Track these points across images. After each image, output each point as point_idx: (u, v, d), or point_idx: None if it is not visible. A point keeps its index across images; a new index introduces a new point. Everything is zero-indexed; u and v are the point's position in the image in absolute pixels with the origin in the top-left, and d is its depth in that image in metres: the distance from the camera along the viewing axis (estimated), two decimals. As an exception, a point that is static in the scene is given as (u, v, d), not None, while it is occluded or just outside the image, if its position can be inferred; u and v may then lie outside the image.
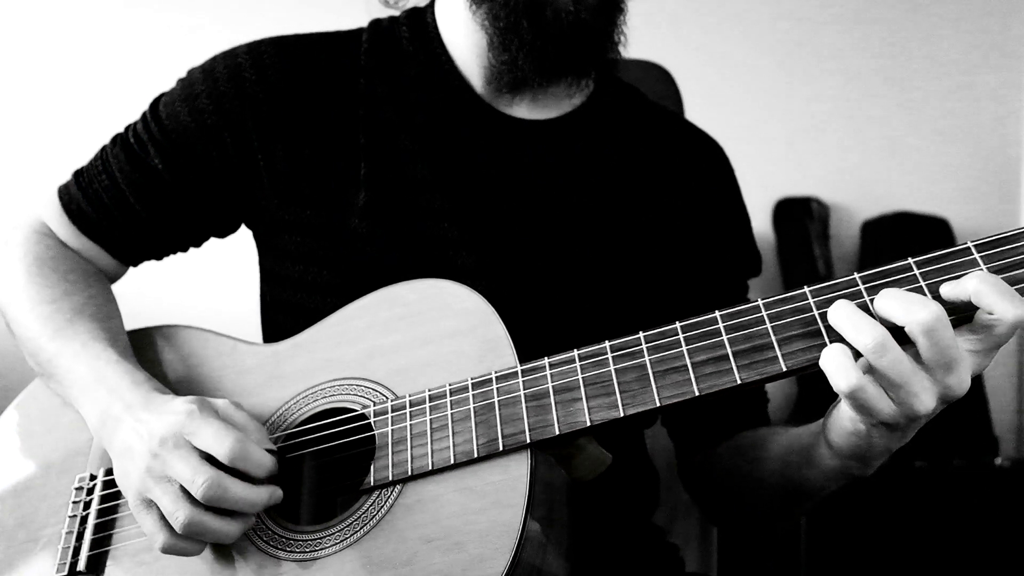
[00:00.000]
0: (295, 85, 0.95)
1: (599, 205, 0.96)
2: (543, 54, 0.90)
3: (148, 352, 0.94)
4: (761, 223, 2.43)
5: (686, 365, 0.70)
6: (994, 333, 0.64)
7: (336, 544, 0.75)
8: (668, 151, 1.02)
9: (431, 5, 1.01)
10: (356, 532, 0.75)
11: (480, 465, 0.73)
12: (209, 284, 2.07)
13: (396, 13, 1.04)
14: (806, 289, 0.69)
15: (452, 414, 0.76)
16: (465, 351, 0.78)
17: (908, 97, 2.56)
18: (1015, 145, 2.57)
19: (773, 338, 0.68)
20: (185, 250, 1.05)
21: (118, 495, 0.83)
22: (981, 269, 0.64)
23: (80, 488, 0.87)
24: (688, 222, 1.00)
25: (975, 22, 2.56)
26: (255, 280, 1.04)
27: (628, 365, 0.72)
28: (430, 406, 0.77)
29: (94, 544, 0.83)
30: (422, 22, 1.00)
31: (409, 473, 0.74)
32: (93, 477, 0.87)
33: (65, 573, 0.82)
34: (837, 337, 0.65)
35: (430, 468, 0.74)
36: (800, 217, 2.43)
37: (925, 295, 0.65)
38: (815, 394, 2.14)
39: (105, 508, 0.84)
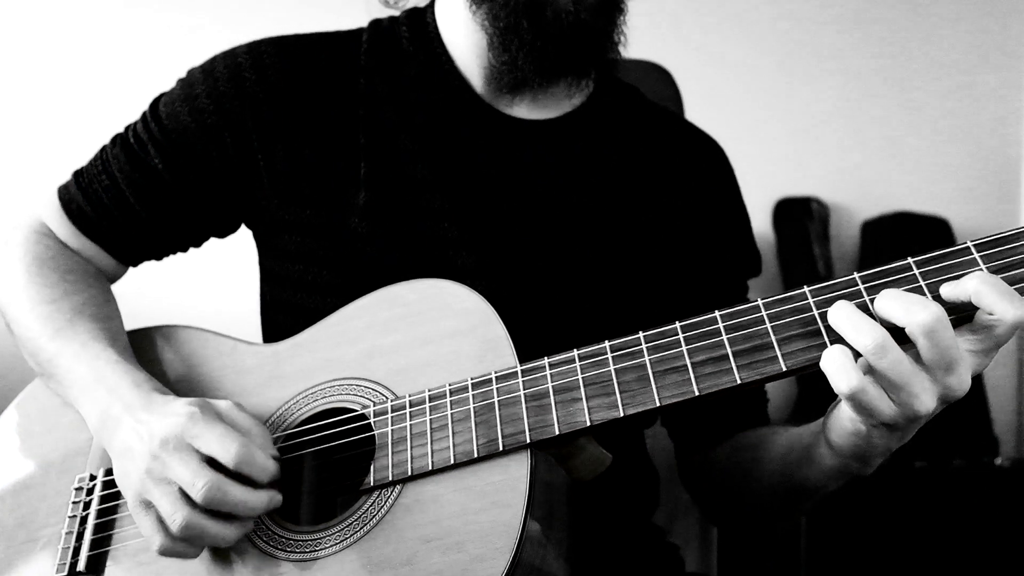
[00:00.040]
0: (295, 85, 0.95)
1: (599, 205, 0.96)
2: (543, 54, 0.90)
3: (148, 352, 0.94)
4: (761, 223, 2.43)
5: (686, 365, 0.70)
6: (994, 333, 0.64)
7: (336, 544, 0.75)
8: (668, 151, 1.02)
9: (431, 5, 1.01)
10: (356, 532, 0.75)
11: (480, 465, 0.73)
12: (209, 284, 2.07)
13: (396, 13, 1.04)
14: (806, 289, 0.69)
15: (452, 414, 0.76)
16: (465, 351, 0.78)
17: (908, 97, 2.56)
18: (1015, 145, 2.57)
19: (773, 338, 0.68)
20: (185, 250, 1.05)
21: (118, 495, 0.83)
22: (981, 269, 0.64)
23: (80, 488, 0.87)
24: (688, 222, 1.00)
25: (975, 22, 2.56)
26: (255, 280, 1.04)
27: (628, 365, 0.72)
28: (430, 406, 0.77)
29: (94, 544, 0.83)
30: (422, 22, 1.00)
31: (409, 473, 0.74)
32: (93, 477, 0.87)
33: (65, 573, 0.82)
34: (837, 337, 0.65)
35: (430, 468, 0.74)
36: (800, 217, 2.43)
37: (925, 295, 0.65)
38: (815, 394, 2.14)
39: (105, 508, 0.84)
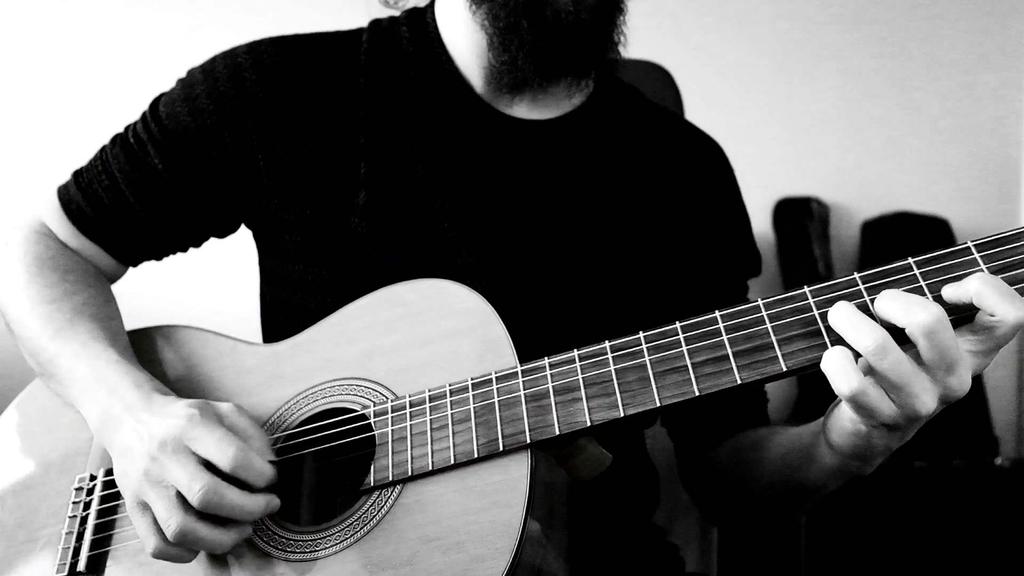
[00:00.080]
0: (295, 85, 0.95)
1: (599, 205, 0.96)
2: (543, 54, 0.90)
3: (148, 352, 0.94)
4: (761, 223, 2.43)
5: (686, 365, 0.70)
6: (995, 334, 0.64)
7: (336, 544, 0.75)
8: (668, 151, 1.02)
9: (431, 5, 1.01)
10: (356, 532, 0.74)
11: (480, 465, 0.73)
12: (209, 284, 2.07)
13: (396, 13, 1.04)
14: (806, 289, 0.69)
15: (452, 414, 0.76)
16: (465, 351, 0.78)
17: (908, 97, 2.56)
18: (1015, 145, 2.57)
19: (773, 338, 0.68)
20: (185, 250, 1.05)
21: (118, 495, 0.83)
22: (981, 269, 0.64)
23: (80, 488, 0.87)
24: (688, 222, 1.00)
25: (975, 22, 2.56)
26: (255, 280, 1.04)
27: (628, 365, 0.72)
28: (430, 406, 0.77)
29: (94, 544, 0.83)
30: (422, 22, 1.00)
31: (409, 473, 0.74)
32: (93, 477, 0.87)
33: (65, 573, 0.82)
34: (837, 337, 0.65)
35: (430, 468, 0.74)
36: (800, 217, 2.43)
37: (925, 295, 0.65)
38: (815, 394, 2.14)
39: (105, 508, 0.84)
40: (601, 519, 0.93)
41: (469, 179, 0.94)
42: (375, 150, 0.93)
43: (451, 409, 0.76)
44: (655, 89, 1.31)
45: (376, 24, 1.02)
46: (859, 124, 2.56)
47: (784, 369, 0.67)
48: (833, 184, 2.55)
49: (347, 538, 0.75)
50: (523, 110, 0.97)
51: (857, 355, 0.64)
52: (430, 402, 0.77)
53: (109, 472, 0.85)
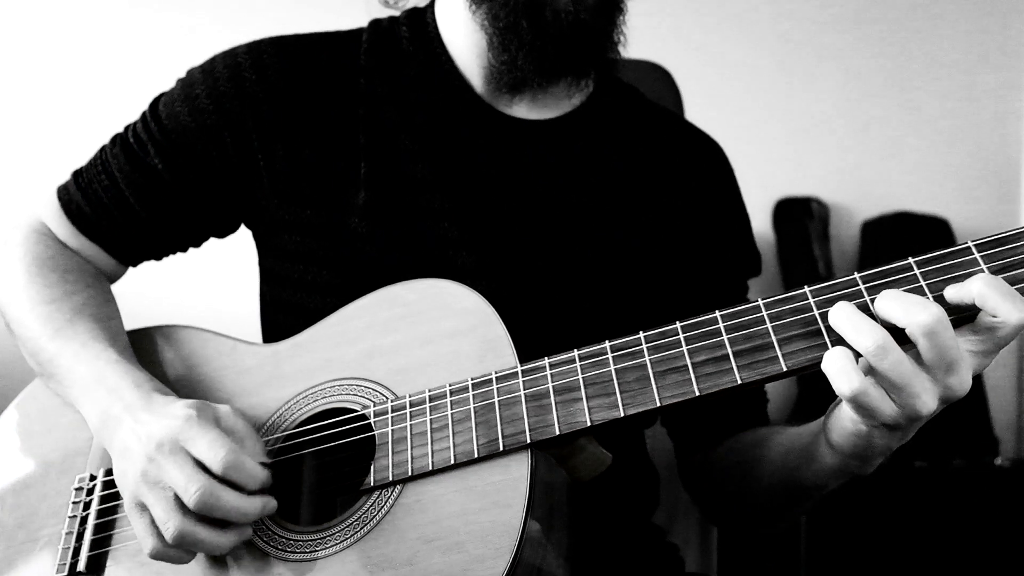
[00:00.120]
0: (295, 85, 0.95)
1: (599, 205, 0.96)
2: (543, 54, 0.90)
3: (148, 352, 0.94)
4: (761, 223, 2.43)
5: (686, 365, 0.70)
6: (997, 335, 0.64)
7: (336, 544, 0.75)
8: (668, 151, 1.02)
9: (431, 5, 1.01)
10: (356, 532, 0.74)
11: (480, 465, 0.73)
12: (209, 284, 2.07)
13: (396, 13, 1.04)
14: (806, 289, 0.69)
15: (452, 414, 0.76)
16: (465, 351, 0.78)
17: (908, 97, 2.56)
18: (1015, 145, 2.57)
19: (773, 338, 0.68)
20: (185, 250, 1.05)
21: (118, 495, 0.83)
22: (982, 269, 0.64)
23: (80, 488, 0.87)
24: (688, 222, 1.00)
25: (975, 22, 2.56)
26: (255, 280, 1.04)
27: (628, 365, 0.72)
28: (430, 406, 0.77)
29: (94, 544, 0.83)
30: (422, 22, 1.00)
31: (409, 473, 0.74)
32: (93, 477, 0.87)
33: (65, 573, 0.82)
34: (837, 337, 0.65)
35: (430, 468, 0.74)
36: (800, 217, 2.43)
37: (926, 295, 0.65)
38: (815, 394, 2.14)
39: (105, 508, 0.84)
40: (601, 519, 0.93)
41: (469, 179, 0.94)
42: (375, 150, 0.93)
43: (451, 409, 0.76)
44: (655, 89, 1.31)
45: (376, 24, 1.02)
46: (859, 124, 2.56)
47: (784, 369, 0.67)
48: (833, 184, 2.55)
49: (347, 538, 0.75)
50: (523, 110, 0.97)
51: (857, 355, 0.64)
52: (430, 402, 0.77)
53: (109, 472, 0.85)
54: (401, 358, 0.81)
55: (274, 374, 0.87)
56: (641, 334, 0.73)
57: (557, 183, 0.95)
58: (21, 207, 1.04)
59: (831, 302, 0.67)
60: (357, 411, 0.80)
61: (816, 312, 0.68)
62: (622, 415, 0.71)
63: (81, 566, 0.82)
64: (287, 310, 0.96)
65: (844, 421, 0.71)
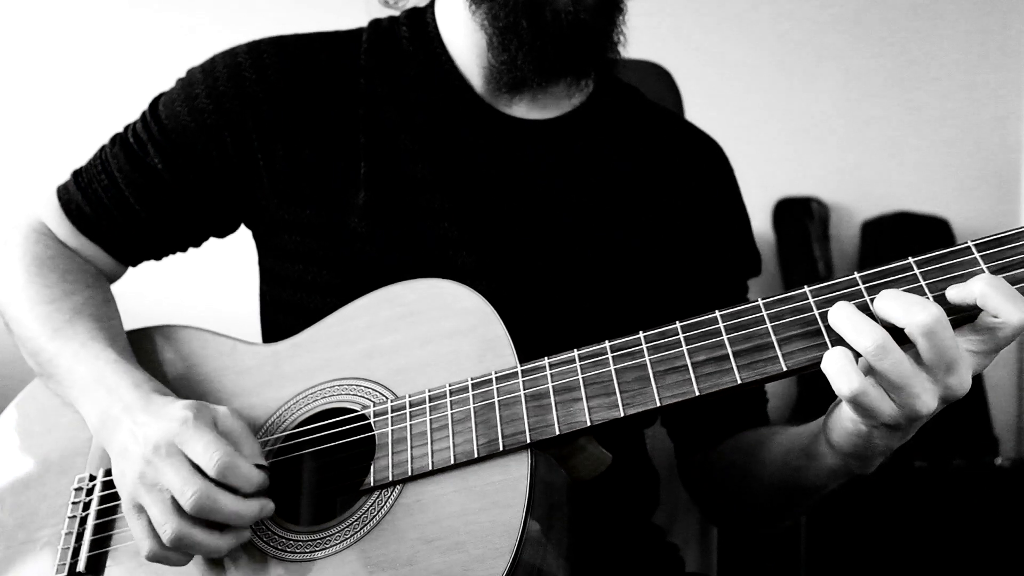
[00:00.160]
0: (295, 85, 0.95)
1: (599, 205, 0.96)
2: (542, 54, 0.90)
3: (148, 352, 0.94)
4: (761, 223, 2.43)
5: (686, 365, 0.70)
6: (998, 335, 0.64)
7: (336, 544, 0.75)
8: (668, 151, 1.02)
9: (431, 5, 1.01)
10: (356, 532, 0.74)
11: (480, 465, 0.73)
12: (209, 284, 2.07)
13: (396, 13, 1.04)
14: (806, 289, 0.69)
15: (452, 414, 0.75)
16: (465, 351, 0.78)
17: (908, 97, 2.56)
18: (1015, 145, 2.57)
19: (773, 338, 0.68)
20: (184, 250, 1.05)
21: (117, 496, 0.83)
22: (982, 269, 0.64)
23: (80, 488, 0.86)
24: (688, 222, 1.00)
25: (975, 22, 2.56)
26: (255, 280, 1.04)
27: (628, 365, 0.72)
28: (430, 406, 0.77)
29: (94, 544, 0.83)
30: (422, 22, 1.00)
31: (409, 473, 0.74)
32: (92, 477, 0.87)
33: (65, 574, 0.82)
34: (837, 337, 0.65)
35: (430, 468, 0.74)
36: (800, 217, 2.43)
37: (926, 295, 0.65)
38: (815, 394, 2.14)
39: (104, 509, 0.84)
40: (601, 519, 0.93)
41: (469, 179, 0.94)
42: (375, 150, 0.93)
43: (451, 409, 0.76)
44: (655, 89, 1.31)
45: (376, 24, 1.02)
46: (859, 124, 2.56)
47: (784, 369, 0.67)
48: (833, 184, 2.55)
49: (347, 538, 0.75)
50: (523, 110, 0.97)
51: (857, 355, 0.64)
52: (430, 402, 0.77)
53: (108, 472, 0.85)
54: (401, 358, 0.81)
55: (274, 374, 0.87)
56: (641, 334, 0.73)
57: (557, 183, 0.95)
58: (21, 207, 1.04)
59: (831, 302, 0.67)
60: (357, 411, 0.80)
61: (816, 312, 0.68)
62: (622, 415, 0.71)
63: (81, 566, 0.82)
64: (287, 310, 0.96)
65: (844, 421, 0.71)
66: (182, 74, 1.00)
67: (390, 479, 0.75)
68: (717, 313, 0.71)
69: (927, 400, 0.64)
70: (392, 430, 0.77)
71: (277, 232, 0.96)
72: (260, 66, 0.95)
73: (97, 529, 0.84)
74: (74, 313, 0.91)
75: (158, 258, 1.05)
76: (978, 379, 1.04)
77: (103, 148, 1.01)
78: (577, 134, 0.98)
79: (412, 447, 0.75)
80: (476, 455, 0.73)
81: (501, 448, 0.72)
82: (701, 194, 1.02)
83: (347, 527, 0.75)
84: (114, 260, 1.02)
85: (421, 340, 0.81)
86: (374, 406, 0.80)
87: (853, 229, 2.54)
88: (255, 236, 1.02)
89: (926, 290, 0.65)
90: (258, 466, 0.75)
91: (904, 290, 0.65)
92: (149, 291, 1.48)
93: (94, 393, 0.84)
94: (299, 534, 0.77)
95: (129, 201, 0.97)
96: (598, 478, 0.78)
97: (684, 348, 0.71)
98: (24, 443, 0.95)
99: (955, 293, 0.64)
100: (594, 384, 0.73)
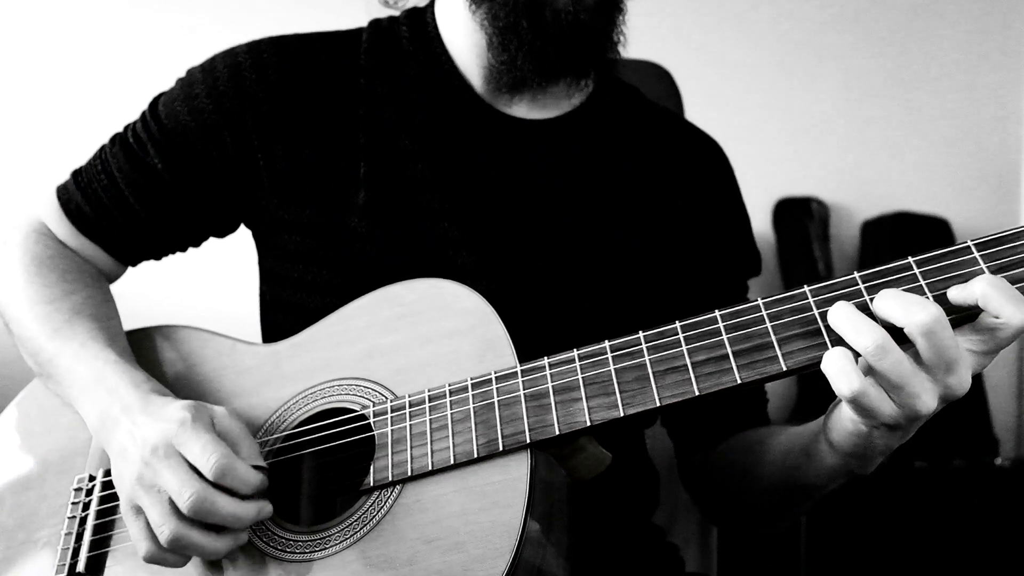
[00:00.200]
0: (295, 85, 0.95)
1: (599, 205, 0.96)
2: (542, 54, 0.90)
3: (147, 352, 0.94)
4: (761, 223, 2.43)
5: (686, 365, 0.70)
6: (998, 336, 0.64)
7: (336, 544, 0.75)
8: (668, 151, 1.02)
9: (431, 5, 1.01)
10: (356, 532, 0.74)
11: (480, 465, 0.73)
12: (209, 284, 2.07)
13: (396, 13, 1.04)
14: (806, 288, 0.69)
15: (452, 414, 0.75)
16: (464, 351, 0.78)
17: (908, 97, 2.56)
18: (1015, 145, 2.57)
19: (773, 338, 0.68)
20: (184, 250, 1.05)
21: (117, 496, 0.83)
22: (981, 268, 0.64)
23: (79, 489, 0.86)
24: (688, 222, 1.00)
25: (975, 22, 2.56)
26: (255, 280, 1.04)
27: (628, 365, 0.72)
28: (430, 406, 0.77)
29: (93, 545, 0.83)
30: (422, 22, 1.00)
31: (409, 473, 0.74)
32: (92, 478, 0.87)
33: (64, 574, 0.82)
34: (837, 337, 0.65)
35: (430, 468, 0.74)
36: (800, 217, 2.44)
37: (925, 295, 0.65)
38: (815, 394, 2.14)
39: (104, 509, 0.84)
40: (601, 519, 0.93)
41: (469, 179, 0.94)
42: (375, 150, 0.93)
43: (450, 409, 0.76)
44: (655, 89, 1.31)
45: (376, 24, 1.02)
46: (859, 124, 2.56)
47: (784, 369, 0.67)
48: (833, 184, 2.55)
49: (347, 538, 0.75)
50: (523, 110, 0.97)
51: (857, 355, 0.64)
52: (429, 402, 0.77)
53: (108, 472, 0.85)
54: (401, 358, 0.81)
55: (273, 374, 0.87)
56: (640, 334, 0.73)
57: (557, 183, 0.95)
58: (21, 207, 1.04)
59: (830, 302, 0.67)
60: (356, 411, 0.80)
61: (816, 312, 0.68)
62: (622, 415, 0.71)
63: (80, 567, 0.82)
64: (287, 310, 0.96)
65: (844, 421, 0.71)
66: (182, 74, 1.00)
67: (390, 479, 0.75)
68: (717, 313, 0.71)
69: (927, 400, 0.64)
70: (392, 430, 0.77)
71: (277, 232, 0.96)
72: (260, 66, 0.95)
73: (97, 529, 0.84)
74: (73, 313, 0.91)
75: (158, 258, 1.05)
76: (978, 379, 1.04)
77: (103, 148, 1.01)
78: (577, 134, 0.98)
79: (412, 447, 0.75)
80: (476, 455, 0.72)
81: (501, 448, 0.72)
82: (701, 194, 1.02)
83: (347, 527, 0.75)
84: (114, 260, 1.02)
85: (421, 340, 0.81)
86: (374, 406, 0.80)
87: (853, 229, 2.54)
88: (255, 236, 1.02)
89: (926, 290, 0.65)
90: (256, 467, 0.75)
91: (904, 290, 0.65)
92: (149, 291, 1.48)
93: (93, 393, 0.84)
94: (298, 534, 0.77)
95: (129, 201, 0.97)
96: (598, 478, 0.77)
97: (684, 348, 0.71)
98: (24, 443, 0.95)
99: (957, 293, 0.64)
100: (594, 384, 0.72)
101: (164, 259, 1.06)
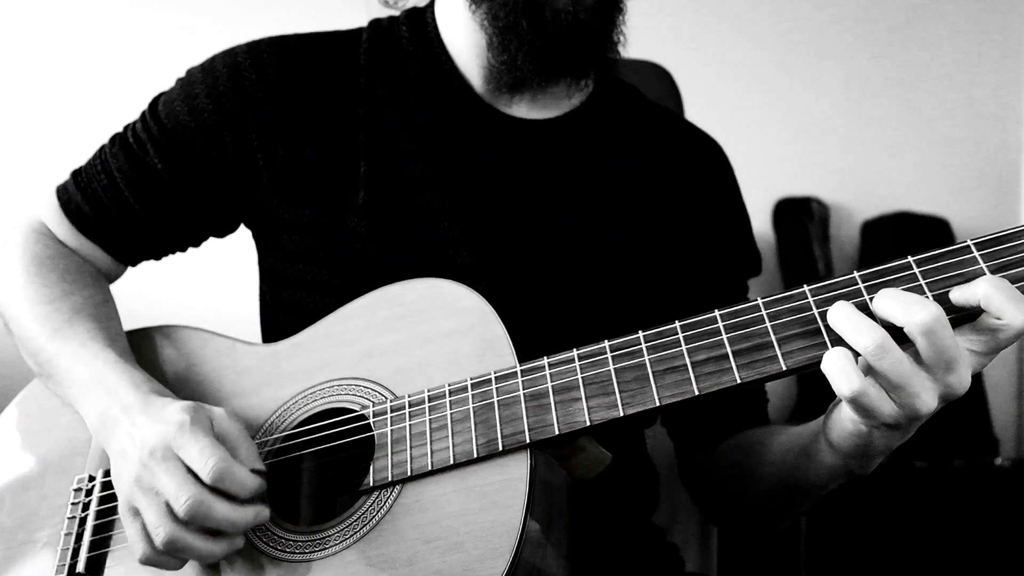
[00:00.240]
0: (295, 85, 0.95)
1: (599, 205, 0.96)
2: (542, 54, 0.90)
3: (147, 352, 0.94)
4: (761, 223, 2.43)
5: (686, 365, 0.70)
6: (999, 336, 0.64)
7: (336, 544, 0.75)
8: (668, 151, 1.02)
9: (431, 5, 1.01)
10: (356, 532, 0.74)
11: (480, 465, 0.73)
12: (209, 284, 2.07)
13: (396, 13, 1.04)
14: (805, 288, 0.69)
15: (451, 414, 0.75)
16: (464, 351, 0.78)
17: (908, 97, 2.56)
18: (1015, 145, 2.57)
19: (773, 337, 0.68)
20: (184, 250, 1.05)
21: (116, 496, 0.83)
22: (981, 267, 0.64)
23: (79, 489, 0.86)
24: (688, 222, 1.00)
25: (975, 22, 2.56)
26: (255, 280, 1.04)
27: (627, 365, 0.72)
28: (429, 406, 0.77)
29: (93, 545, 0.83)
30: (422, 22, 1.00)
31: (408, 473, 0.74)
32: (92, 478, 0.87)
33: (64, 574, 0.82)
34: (836, 336, 0.65)
35: (429, 468, 0.74)
36: (800, 217, 2.44)
37: (925, 294, 0.65)
38: (815, 394, 2.14)
39: (104, 509, 0.84)
40: (601, 519, 0.93)
41: (469, 179, 0.94)
42: (375, 150, 0.93)
43: (450, 409, 0.76)
44: (655, 89, 1.31)
45: (376, 24, 1.02)
46: (859, 124, 2.56)
47: (784, 368, 0.67)
48: (833, 184, 2.55)
49: (347, 538, 0.75)
50: (523, 110, 0.97)
51: (856, 354, 0.64)
52: (429, 402, 0.77)
53: (107, 473, 0.85)
54: (400, 358, 0.81)
55: (273, 374, 0.87)
56: (640, 333, 0.73)
57: (557, 183, 0.95)
58: (20, 207, 1.04)
59: (830, 301, 0.67)
60: (356, 411, 0.80)
61: (815, 311, 0.68)
62: (621, 415, 0.71)
63: (80, 567, 0.81)
64: (287, 310, 0.96)
65: (844, 421, 0.71)
66: (182, 74, 1.00)
67: (389, 479, 0.75)
68: (716, 312, 0.71)
69: (927, 399, 0.64)
70: (391, 430, 0.77)
71: (277, 232, 0.96)
72: (260, 66, 0.95)
73: (96, 530, 0.84)
74: (73, 313, 0.91)
75: (158, 258, 1.05)
76: (978, 379, 1.04)
77: (102, 148, 1.00)
78: (577, 134, 0.98)
79: (411, 447, 0.75)
80: (475, 455, 0.72)
81: (500, 448, 0.72)
82: (701, 194, 1.02)
83: (346, 527, 0.75)
84: (114, 260, 1.02)
85: (420, 340, 0.81)
86: (373, 406, 0.80)
87: (853, 229, 2.54)
88: (255, 236, 1.02)
89: (925, 289, 0.65)
90: (255, 471, 0.74)
91: (903, 289, 0.65)
92: (149, 291, 1.48)
93: (93, 393, 0.84)
94: (298, 534, 0.77)
95: (129, 201, 0.97)
96: (598, 478, 0.77)
97: (683, 348, 0.71)
98: (24, 443, 0.95)
99: (959, 295, 0.64)
100: (593, 384, 0.72)
101: (164, 259, 1.06)
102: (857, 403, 0.65)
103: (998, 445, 2.32)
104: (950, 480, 2.15)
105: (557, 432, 0.72)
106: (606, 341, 0.74)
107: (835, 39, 2.55)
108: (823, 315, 0.67)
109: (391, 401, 0.79)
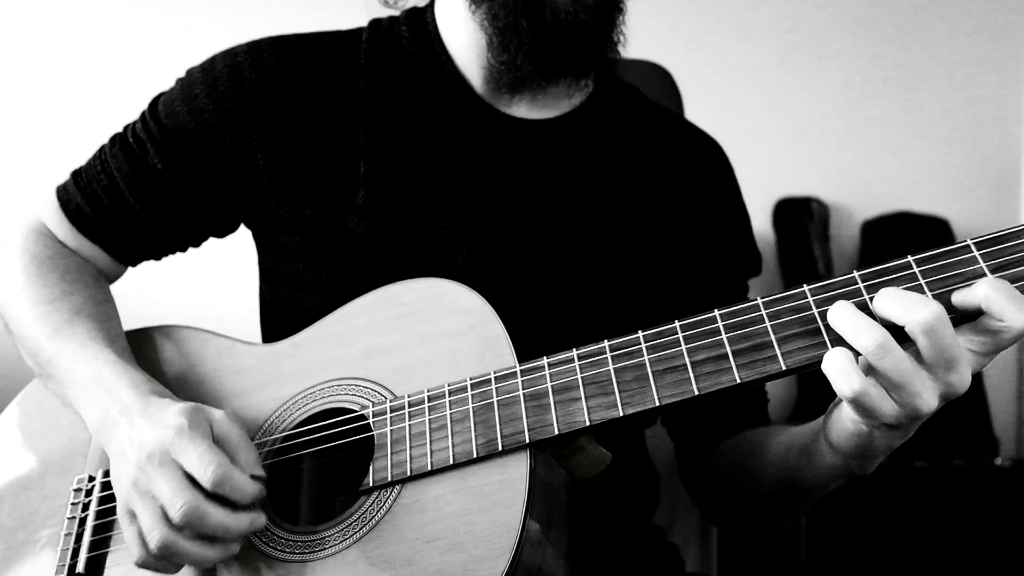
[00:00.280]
0: (295, 85, 0.95)
1: (599, 205, 0.96)
2: (542, 54, 0.90)
3: (147, 352, 0.94)
4: (761, 223, 2.43)
5: (685, 364, 0.70)
6: (1000, 337, 0.64)
7: (336, 545, 0.75)
8: (668, 151, 1.02)
9: (431, 5, 1.01)
10: (356, 533, 0.74)
11: (479, 465, 0.73)
12: (209, 284, 2.07)
13: (396, 13, 1.04)
14: (805, 288, 0.69)
15: (451, 414, 0.75)
16: (464, 351, 0.78)
17: (908, 97, 2.56)
18: (1015, 145, 2.57)
19: (772, 337, 0.68)
20: (184, 250, 1.05)
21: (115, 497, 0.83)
22: (981, 267, 0.64)
23: (79, 489, 0.86)
24: (688, 222, 1.00)
25: (975, 22, 2.56)
26: (255, 280, 1.04)
27: (627, 365, 0.72)
28: (429, 406, 0.77)
29: (93, 545, 0.83)
30: (422, 22, 1.00)
31: (408, 473, 0.74)
32: (92, 478, 0.87)
33: (64, 574, 0.82)
34: (836, 336, 0.65)
35: (429, 468, 0.74)
36: (800, 217, 2.44)
37: (925, 294, 0.65)
38: (815, 394, 2.14)
39: (103, 510, 0.84)
40: (601, 519, 0.93)
41: (469, 179, 0.94)
42: (375, 150, 0.93)
43: (450, 409, 0.76)
44: (655, 89, 1.31)
45: (376, 24, 1.02)
46: (859, 124, 2.56)
47: (783, 368, 0.67)
48: (833, 184, 2.55)
49: (346, 538, 0.75)
50: (523, 110, 0.97)
51: (857, 354, 0.64)
52: (429, 402, 0.77)
53: (107, 473, 0.85)
54: (400, 358, 0.81)
55: (273, 374, 0.87)
56: (640, 333, 0.73)
57: (557, 183, 0.95)
58: (20, 207, 1.04)
59: (830, 301, 0.67)
60: (356, 411, 0.80)
61: (815, 311, 0.68)
62: (621, 415, 0.71)
63: (80, 567, 0.81)
64: (287, 310, 0.96)
65: (844, 421, 0.70)
66: (182, 74, 1.00)
67: (389, 479, 0.75)
68: (716, 312, 0.71)
69: (928, 398, 0.64)
70: (391, 430, 0.77)
71: (277, 232, 0.96)
72: (260, 66, 0.95)
73: (96, 530, 0.84)
74: (73, 313, 0.91)
75: (158, 258, 1.05)
76: (978, 379, 1.04)
77: (102, 148, 1.01)
78: (577, 134, 0.98)
79: (411, 447, 0.75)
80: (475, 455, 0.72)
81: (500, 448, 0.72)
82: (701, 194, 1.02)
83: (346, 527, 0.75)
84: (114, 260, 1.02)
85: (420, 340, 0.81)
86: (373, 406, 0.79)
87: (853, 229, 2.54)
88: (255, 236, 1.02)
89: (925, 289, 0.65)
90: (255, 477, 0.74)
91: (903, 289, 0.65)
92: (149, 291, 1.48)
93: (93, 394, 0.84)
94: (298, 534, 0.77)
95: (129, 201, 0.97)
96: (598, 478, 0.77)
97: (683, 347, 0.71)
98: (24, 443, 0.95)
99: (960, 297, 0.64)
100: (593, 384, 0.72)
101: (164, 259, 1.06)
102: (858, 403, 0.65)
103: (998, 445, 2.32)
104: (950, 480, 2.15)
105: (557, 432, 0.72)
106: (606, 341, 0.74)
107: (835, 39, 2.55)
108: (823, 315, 0.67)
109: (391, 401, 0.79)
